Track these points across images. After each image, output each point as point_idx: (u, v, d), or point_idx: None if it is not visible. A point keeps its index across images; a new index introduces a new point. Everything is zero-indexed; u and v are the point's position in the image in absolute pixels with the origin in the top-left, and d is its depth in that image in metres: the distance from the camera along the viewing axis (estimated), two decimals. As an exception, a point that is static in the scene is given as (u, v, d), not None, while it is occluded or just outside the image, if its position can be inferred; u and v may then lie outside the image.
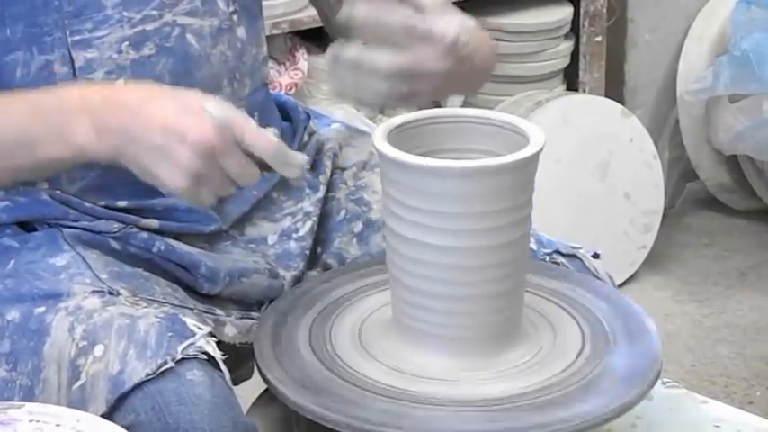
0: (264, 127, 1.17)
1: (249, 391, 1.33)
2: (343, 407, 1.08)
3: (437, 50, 1.17)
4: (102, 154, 1.14)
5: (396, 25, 1.17)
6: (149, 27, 1.23)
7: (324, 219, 1.36)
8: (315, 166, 1.38)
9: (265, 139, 1.11)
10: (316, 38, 2.47)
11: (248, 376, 1.36)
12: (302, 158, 1.13)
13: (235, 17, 1.29)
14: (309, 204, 1.35)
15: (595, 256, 1.35)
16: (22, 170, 1.18)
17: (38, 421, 0.97)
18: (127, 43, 1.22)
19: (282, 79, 2.41)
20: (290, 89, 2.40)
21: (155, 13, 1.23)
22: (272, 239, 1.32)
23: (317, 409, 1.08)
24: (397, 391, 1.10)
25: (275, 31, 2.32)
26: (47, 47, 1.21)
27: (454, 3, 2.77)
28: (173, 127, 1.10)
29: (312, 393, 1.10)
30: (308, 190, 1.36)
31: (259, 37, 1.33)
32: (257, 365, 1.15)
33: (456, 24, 1.18)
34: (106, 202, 1.25)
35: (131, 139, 1.11)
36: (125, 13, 1.22)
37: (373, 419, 1.06)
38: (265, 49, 1.35)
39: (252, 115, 1.29)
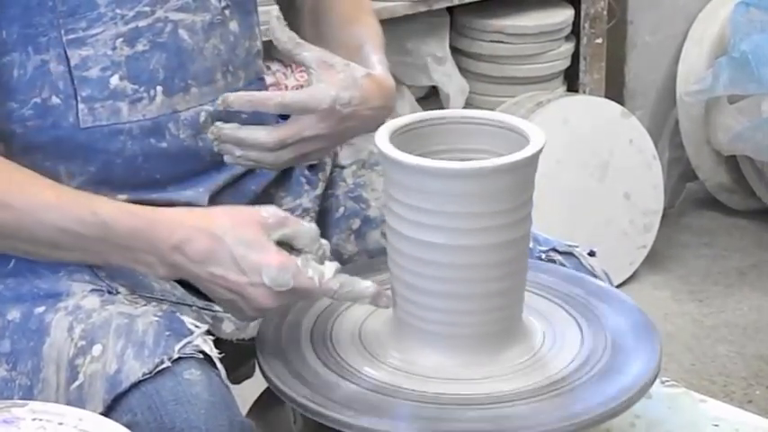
0: (255, 123, 1.20)
1: (250, 390, 1.33)
2: (343, 406, 1.08)
3: (315, 117, 1.24)
4: (172, 278, 1.20)
5: (264, 105, 1.24)
6: (142, 23, 1.24)
7: (322, 215, 1.37)
8: (314, 164, 1.39)
9: (328, 291, 1.14)
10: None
11: (250, 374, 1.36)
12: (371, 290, 1.15)
13: (227, 12, 1.29)
14: (308, 201, 1.36)
15: (592, 254, 1.35)
16: (94, 263, 1.21)
17: (41, 420, 0.97)
18: (121, 40, 1.23)
19: (288, 81, 2.41)
20: (295, 91, 2.40)
21: (147, 9, 1.24)
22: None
23: (318, 408, 1.09)
24: (397, 390, 1.11)
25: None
26: (42, 46, 1.21)
27: (458, 6, 2.77)
28: (236, 291, 1.14)
29: (313, 392, 1.10)
30: (306, 186, 1.37)
31: (252, 31, 1.34)
32: (259, 364, 1.16)
33: (335, 85, 1.24)
34: (106, 196, 1.26)
35: (200, 284, 1.18)
36: (118, 11, 1.23)
37: (374, 419, 1.07)
38: (260, 42, 1.36)
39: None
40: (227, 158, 1.26)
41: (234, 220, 1.16)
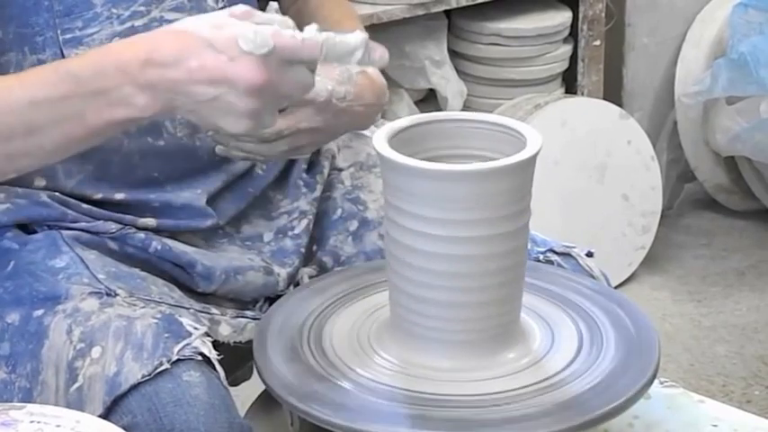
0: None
1: (248, 392, 1.34)
2: (340, 408, 1.08)
3: (312, 109, 1.24)
4: (153, 111, 1.09)
5: None
6: (138, 23, 1.24)
7: (320, 217, 1.37)
8: (312, 167, 1.39)
9: (312, 46, 1.07)
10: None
11: (247, 377, 1.37)
12: (360, 37, 1.08)
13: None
14: (306, 203, 1.36)
15: (589, 254, 1.35)
16: (75, 139, 1.13)
17: (38, 422, 0.97)
18: (117, 39, 1.23)
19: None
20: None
21: (142, 9, 1.24)
22: (267, 237, 1.33)
23: (315, 411, 1.09)
24: (395, 393, 1.11)
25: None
26: (38, 46, 1.21)
27: (455, 9, 2.77)
28: (219, 79, 1.05)
29: (310, 395, 1.10)
30: (304, 189, 1.37)
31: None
32: (256, 367, 1.16)
33: (332, 79, 1.24)
34: (104, 194, 1.26)
35: (181, 94, 1.07)
36: (114, 11, 1.23)
37: (371, 421, 1.07)
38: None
39: None
40: (219, 149, 1.26)
41: (202, 17, 1.10)
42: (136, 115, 1.09)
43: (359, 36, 1.08)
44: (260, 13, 1.10)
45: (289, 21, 1.10)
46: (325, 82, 1.24)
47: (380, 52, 1.10)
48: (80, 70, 1.09)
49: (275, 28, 1.06)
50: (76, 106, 1.09)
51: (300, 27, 1.35)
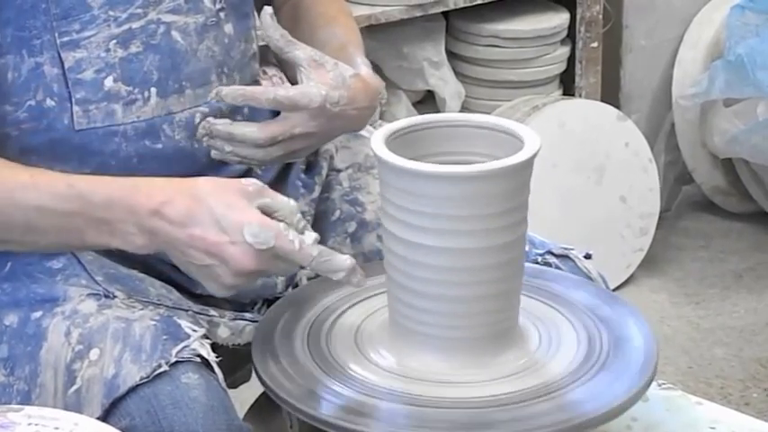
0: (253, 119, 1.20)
1: (247, 394, 1.34)
2: (339, 410, 1.08)
3: (306, 114, 1.25)
4: (147, 251, 1.18)
5: (256, 100, 1.25)
6: (135, 25, 1.24)
7: (318, 219, 1.37)
8: (311, 168, 1.39)
9: (306, 257, 1.13)
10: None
11: (246, 379, 1.37)
12: (347, 263, 1.14)
13: (222, 14, 1.30)
14: (304, 204, 1.36)
15: (587, 256, 1.35)
16: (70, 247, 1.21)
17: (36, 425, 0.97)
18: (114, 42, 1.23)
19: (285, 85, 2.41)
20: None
21: (140, 11, 1.24)
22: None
23: (313, 411, 1.09)
24: (395, 394, 1.11)
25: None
26: (36, 49, 1.21)
27: (453, 10, 2.77)
28: (215, 253, 1.13)
29: (309, 397, 1.10)
30: (302, 190, 1.37)
31: (248, 33, 1.34)
32: (255, 369, 1.15)
33: (325, 84, 1.26)
34: None
35: (177, 251, 1.15)
36: (111, 13, 1.23)
37: (369, 422, 1.07)
38: (256, 45, 1.37)
39: (242, 110, 1.30)
40: (214, 154, 1.27)
41: (215, 184, 1.16)
42: (129, 249, 1.17)
43: (348, 261, 1.15)
44: (270, 192, 1.16)
45: (293, 203, 1.17)
46: (319, 87, 1.25)
47: (360, 279, 1.15)
48: (92, 195, 1.15)
49: (279, 229, 1.13)
50: (79, 225, 1.16)
51: (296, 21, 1.36)
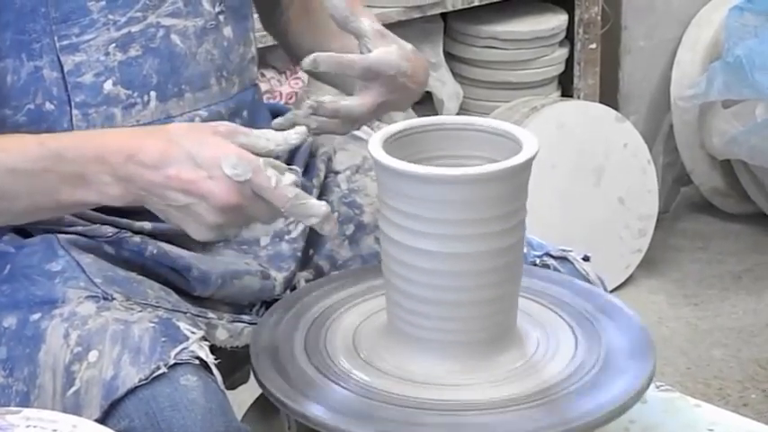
0: (256, 126, 1.20)
1: (245, 395, 1.34)
2: (337, 412, 1.08)
3: (382, 84, 1.26)
4: (123, 202, 1.15)
5: (351, 67, 1.26)
6: (134, 29, 1.24)
7: (317, 221, 1.37)
8: (308, 170, 1.39)
9: (281, 196, 1.11)
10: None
11: (245, 380, 1.37)
12: (322, 210, 1.13)
13: (221, 17, 1.30)
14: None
15: (586, 258, 1.35)
16: (43, 210, 1.19)
17: (35, 426, 0.97)
18: (114, 45, 1.23)
19: (283, 88, 2.42)
20: (291, 98, 2.41)
21: (139, 15, 1.24)
22: (264, 241, 1.33)
23: (311, 414, 1.09)
24: (393, 396, 1.11)
25: (276, 42, 2.32)
26: (35, 53, 1.21)
27: (451, 12, 2.77)
28: (193, 191, 1.11)
29: (307, 399, 1.10)
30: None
31: (247, 36, 1.34)
32: (253, 371, 1.16)
33: (396, 55, 1.27)
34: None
35: (154, 195, 1.13)
36: (110, 17, 1.23)
37: (367, 425, 1.07)
38: (254, 48, 1.37)
39: (241, 114, 1.30)
40: (296, 134, 1.21)
41: (187, 126, 1.16)
42: (105, 202, 1.15)
43: (323, 208, 1.13)
44: (243, 130, 1.14)
45: (271, 139, 1.14)
46: (393, 55, 1.26)
47: (331, 227, 1.14)
48: (64, 150, 1.14)
49: (258, 163, 1.11)
50: (52, 183, 1.14)
51: (308, 18, 1.35)
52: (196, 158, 1.11)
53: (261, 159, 1.12)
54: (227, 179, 1.10)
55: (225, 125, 1.15)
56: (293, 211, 1.12)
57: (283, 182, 1.11)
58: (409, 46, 1.30)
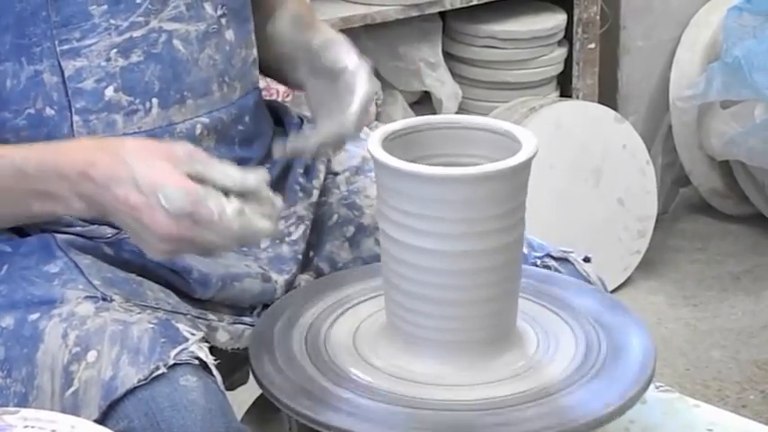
0: (258, 133, 1.19)
1: (244, 396, 1.33)
2: (337, 412, 1.08)
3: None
4: (90, 215, 1.18)
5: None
6: (136, 34, 1.24)
7: (316, 223, 1.36)
8: (308, 171, 1.39)
9: (225, 230, 1.10)
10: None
11: (244, 381, 1.36)
12: (270, 230, 1.12)
13: (223, 21, 1.30)
14: (302, 209, 1.35)
15: (586, 259, 1.35)
16: (23, 219, 1.21)
17: (33, 427, 0.97)
18: (115, 51, 1.23)
19: (280, 86, 2.41)
20: (287, 96, 2.41)
21: (141, 19, 1.24)
22: (264, 243, 1.33)
23: (312, 414, 1.09)
24: (393, 396, 1.11)
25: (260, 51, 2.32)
26: (36, 57, 1.21)
27: (450, 11, 2.77)
28: (137, 217, 1.11)
29: (308, 399, 1.10)
30: (301, 194, 1.37)
31: (249, 39, 1.34)
32: (252, 371, 1.15)
33: (366, 77, 1.28)
34: None
35: (109, 214, 1.14)
36: (112, 21, 1.22)
37: (367, 425, 1.07)
38: (255, 51, 1.36)
39: (243, 120, 1.30)
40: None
41: (142, 145, 1.14)
42: (74, 215, 1.18)
43: (269, 230, 1.12)
44: (203, 157, 1.12)
45: (230, 168, 1.13)
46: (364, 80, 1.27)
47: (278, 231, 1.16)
48: (26, 167, 1.16)
49: (198, 195, 1.09)
50: (22, 197, 1.17)
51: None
52: (139, 183, 1.10)
53: (202, 190, 1.10)
54: (164, 210, 1.09)
55: (184, 148, 1.14)
56: (241, 242, 1.13)
57: (227, 212, 1.10)
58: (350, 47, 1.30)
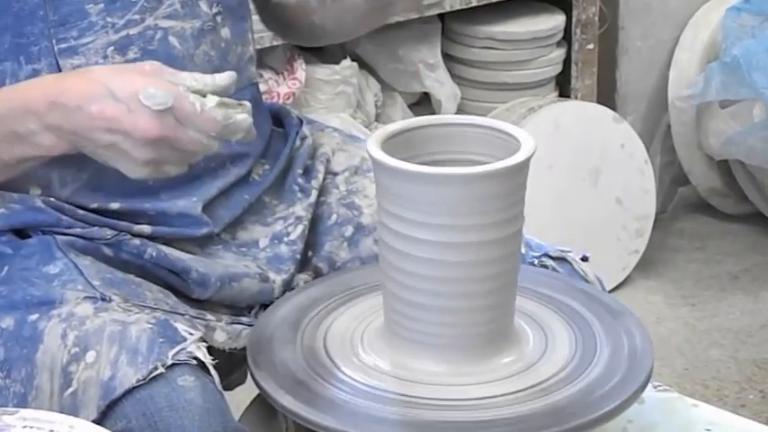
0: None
1: (242, 396, 1.34)
2: (334, 412, 1.08)
3: None
4: (60, 150, 1.16)
5: None
6: (133, 31, 1.24)
7: (315, 223, 1.37)
8: (307, 171, 1.39)
9: (208, 120, 1.11)
10: (313, 48, 2.48)
11: (242, 381, 1.37)
12: (248, 122, 1.13)
13: (218, 18, 1.30)
14: (301, 209, 1.35)
15: (584, 259, 1.35)
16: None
17: (31, 427, 0.97)
18: (112, 48, 1.23)
19: (280, 89, 2.42)
20: (288, 98, 2.41)
21: (137, 17, 1.24)
22: (263, 243, 1.33)
23: (309, 415, 1.09)
24: (390, 396, 1.11)
25: (274, 42, 2.32)
26: (34, 56, 1.21)
27: (449, 12, 2.78)
28: (116, 128, 1.11)
29: (304, 399, 1.10)
30: (300, 194, 1.37)
31: (245, 36, 1.34)
32: (250, 371, 1.15)
33: None
34: (99, 203, 1.26)
35: (82, 138, 1.13)
36: (109, 19, 1.23)
37: (364, 425, 1.07)
38: (252, 48, 1.37)
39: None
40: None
41: (111, 67, 1.16)
42: (43, 153, 1.16)
43: (248, 122, 1.13)
44: (170, 70, 1.14)
45: (198, 79, 1.13)
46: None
47: (252, 136, 1.15)
48: None
49: (178, 90, 1.11)
50: None
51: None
52: (115, 93, 1.11)
53: (181, 87, 1.11)
54: (147, 109, 1.10)
55: (151, 64, 1.15)
56: (224, 133, 1.12)
57: (208, 105, 1.12)
58: None
